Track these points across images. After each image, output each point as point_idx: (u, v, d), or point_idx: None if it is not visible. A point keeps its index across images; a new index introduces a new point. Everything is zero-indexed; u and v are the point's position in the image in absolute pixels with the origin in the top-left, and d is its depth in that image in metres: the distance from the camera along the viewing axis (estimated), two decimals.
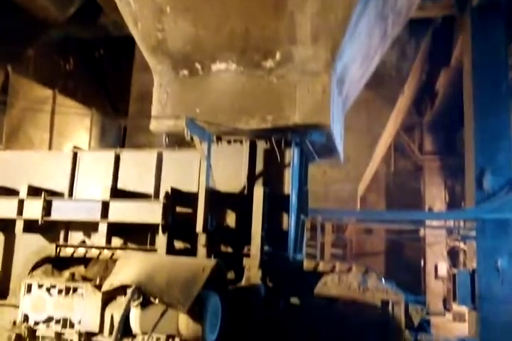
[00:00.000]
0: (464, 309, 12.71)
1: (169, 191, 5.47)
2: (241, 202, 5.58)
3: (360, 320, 4.59)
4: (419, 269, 18.91)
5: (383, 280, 5.02)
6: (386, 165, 21.18)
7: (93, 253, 5.59)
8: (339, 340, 4.60)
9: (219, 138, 5.80)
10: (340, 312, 4.63)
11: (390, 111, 14.44)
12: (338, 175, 14.68)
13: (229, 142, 5.86)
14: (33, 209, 5.78)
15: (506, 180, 10.17)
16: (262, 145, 5.77)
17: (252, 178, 5.70)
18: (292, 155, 5.69)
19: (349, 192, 15.09)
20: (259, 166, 5.74)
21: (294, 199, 5.80)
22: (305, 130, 5.59)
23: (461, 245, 16.77)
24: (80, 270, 5.54)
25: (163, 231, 5.41)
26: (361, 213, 13.93)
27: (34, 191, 5.96)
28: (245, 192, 5.64)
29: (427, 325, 4.77)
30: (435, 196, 19.35)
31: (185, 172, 5.89)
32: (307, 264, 5.22)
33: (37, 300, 4.41)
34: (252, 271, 5.10)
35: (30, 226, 5.88)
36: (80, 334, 4.22)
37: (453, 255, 18.75)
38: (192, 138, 5.29)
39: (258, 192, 5.25)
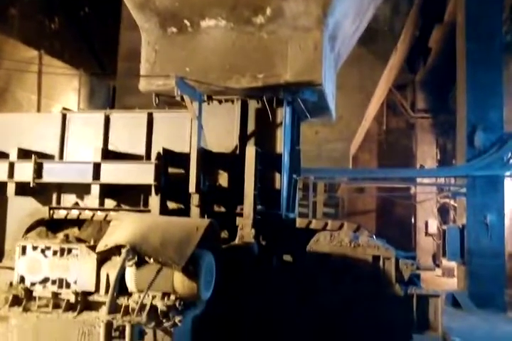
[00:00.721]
0: (452, 265, 13.09)
1: (161, 152, 5.44)
2: (233, 162, 5.57)
3: (351, 275, 4.70)
4: (409, 227, 19.31)
5: (374, 237, 5.10)
6: (378, 123, 21.14)
7: (86, 215, 5.61)
8: (331, 296, 4.73)
9: (210, 98, 5.71)
10: (332, 268, 4.73)
11: (383, 68, 14.25)
12: (330, 134, 14.65)
13: (220, 102, 5.77)
14: (24, 171, 5.75)
15: (497, 137, 10.22)
16: (253, 105, 5.70)
17: (243, 138, 5.67)
18: (284, 114, 5.64)
19: (341, 151, 15.13)
20: (251, 126, 5.70)
21: (286, 159, 5.80)
22: (297, 88, 5.51)
23: (452, 202, 17.05)
24: (73, 232, 5.58)
25: (156, 192, 5.42)
26: (353, 172, 14.02)
27: (24, 153, 5.91)
28: (237, 152, 5.62)
29: (416, 279, 4.90)
30: (426, 154, 19.45)
31: (176, 132, 5.84)
32: (300, 222, 5.29)
33: (32, 262, 4.44)
34: (245, 230, 5.16)
35: (23, 189, 5.87)
36: (77, 294, 4.27)
37: (443, 212, 19.11)
38: (182, 98, 5.20)
39: (250, 151, 5.23)
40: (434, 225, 17.85)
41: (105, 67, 11.64)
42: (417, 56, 19.02)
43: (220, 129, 5.74)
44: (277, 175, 5.63)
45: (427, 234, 17.99)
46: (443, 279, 13.98)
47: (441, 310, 4.67)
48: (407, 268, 4.68)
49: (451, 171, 12.95)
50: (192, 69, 5.60)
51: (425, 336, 4.79)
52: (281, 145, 5.64)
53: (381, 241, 4.99)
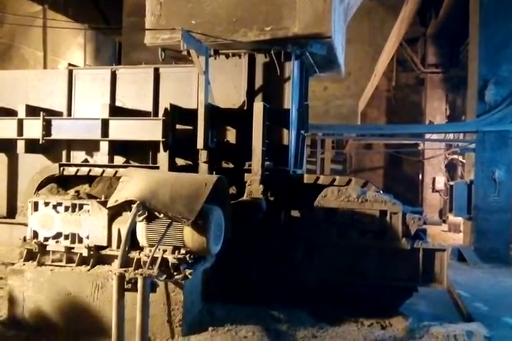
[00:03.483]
0: (459, 220, 13.18)
1: (168, 108, 5.39)
2: (241, 117, 5.52)
3: (358, 229, 4.76)
4: (417, 183, 19.32)
5: (382, 192, 5.12)
6: (387, 79, 20.68)
7: (96, 171, 5.65)
8: (338, 250, 4.82)
9: (217, 52, 5.59)
10: (339, 222, 4.79)
11: (393, 21, 13.76)
12: (339, 90, 14.39)
13: (227, 56, 5.65)
14: (33, 128, 5.76)
15: (509, 92, 9.98)
16: (261, 59, 5.58)
17: (251, 93, 5.59)
18: (292, 68, 5.52)
19: (350, 107, 14.91)
20: (259, 81, 5.61)
21: (294, 115, 5.74)
22: (305, 41, 5.36)
23: (460, 158, 16.96)
24: (84, 188, 5.65)
25: (164, 149, 5.43)
26: (361, 128, 13.87)
27: (32, 111, 5.89)
28: (245, 107, 5.57)
29: (423, 234, 4.96)
30: (436, 110, 19.13)
31: (183, 88, 5.77)
32: (307, 178, 5.30)
33: (45, 218, 4.52)
34: (254, 186, 5.19)
35: (32, 147, 5.90)
36: (89, 248, 4.38)
37: (451, 168, 19.05)
38: (189, 52, 5.09)
39: (258, 107, 5.17)
40: (441, 181, 17.84)
41: (110, 23, 11.34)
42: (429, 8, 18.32)
43: (228, 84, 5.66)
44: (285, 131, 5.59)
45: (434, 190, 18.02)
46: (449, 234, 14.13)
47: (446, 263, 4.75)
48: (413, 222, 4.72)
49: (460, 127, 12.78)
50: (198, 22, 5.45)
51: (431, 289, 4.92)
52: (289, 100, 5.56)
53: (388, 196, 5.01)
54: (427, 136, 14.59)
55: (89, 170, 5.68)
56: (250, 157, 5.28)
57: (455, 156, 17.58)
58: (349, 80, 13.03)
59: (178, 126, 5.59)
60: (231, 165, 5.67)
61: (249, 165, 5.33)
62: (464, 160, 15.08)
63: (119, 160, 5.92)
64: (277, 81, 5.57)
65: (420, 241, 4.75)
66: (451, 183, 12.35)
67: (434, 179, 18.07)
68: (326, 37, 5.29)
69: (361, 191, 4.83)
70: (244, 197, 5.24)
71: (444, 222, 16.22)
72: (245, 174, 5.36)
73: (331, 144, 13.90)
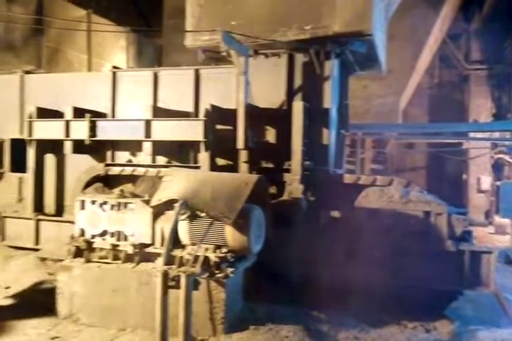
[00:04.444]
0: (506, 222, 12.72)
1: (209, 108, 5.45)
2: (280, 117, 5.53)
3: (402, 230, 4.67)
4: (461, 183, 18.75)
5: (425, 192, 5.01)
6: (430, 76, 20.17)
7: (139, 171, 5.80)
8: (380, 252, 4.74)
9: (256, 52, 5.62)
10: (381, 223, 4.71)
11: (436, 17, 13.43)
12: (379, 88, 14.17)
13: (266, 56, 5.67)
14: (79, 130, 5.94)
15: None
16: (300, 58, 5.57)
17: (290, 93, 5.59)
18: (332, 67, 5.48)
19: (390, 106, 14.65)
20: (298, 80, 5.59)
21: (334, 114, 5.69)
22: (345, 39, 5.31)
23: (507, 158, 16.34)
24: (128, 187, 5.80)
25: (205, 149, 5.49)
26: (403, 127, 13.60)
27: (78, 112, 6.09)
28: (284, 107, 5.57)
29: (468, 236, 4.82)
30: (480, 108, 18.49)
31: (223, 88, 5.83)
32: (348, 178, 5.25)
33: (91, 216, 4.67)
34: (294, 186, 5.18)
35: (79, 147, 6.09)
36: (134, 246, 4.50)
37: (497, 168, 18.39)
38: (228, 53, 5.13)
39: (297, 106, 5.16)
40: (487, 181, 17.22)
41: (151, 25, 11.59)
42: (472, 3, 17.74)
43: (267, 84, 5.67)
44: (325, 131, 5.56)
45: (479, 190, 17.43)
46: (495, 236, 13.65)
47: (493, 266, 4.61)
48: (459, 224, 4.60)
49: (506, 125, 12.34)
50: (238, 23, 5.50)
51: (477, 292, 4.77)
52: (329, 99, 5.52)
53: (432, 196, 4.90)
54: (472, 134, 14.14)
55: (133, 170, 5.83)
56: (290, 157, 5.28)
57: (501, 156, 16.95)
58: (390, 78, 12.79)
59: (218, 126, 5.65)
60: (271, 165, 5.68)
61: (289, 165, 5.33)
62: (511, 160, 14.54)
63: (161, 160, 6.03)
64: (317, 80, 5.54)
65: (466, 243, 4.62)
66: (498, 183, 11.93)
67: (479, 179, 17.47)
68: (366, 34, 5.22)
69: (404, 191, 4.74)
70: (284, 197, 5.24)
71: (490, 223, 15.69)
72: (285, 174, 5.36)
73: (372, 144, 13.67)
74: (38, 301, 4.96)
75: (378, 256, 4.72)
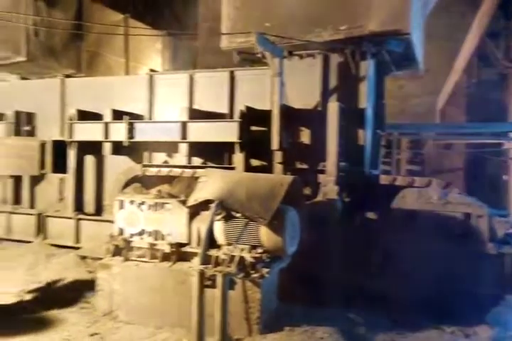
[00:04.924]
0: None
1: (244, 110, 5.49)
2: (315, 118, 5.51)
3: (441, 233, 4.57)
4: (501, 185, 18.18)
5: (464, 194, 4.90)
6: (467, 75, 19.64)
7: (176, 172, 5.89)
8: (418, 254, 4.65)
9: (290, 53, 5.62)
10: (419, 225, 4.63)
11: (474, 15, 13.08)
12: (416, 88, 13.93)
13: (301, 57, 5.67)
14: (118, 131, 6.10)
15: None
16: (335, 58, 5.54)
17: (325, 93, 5.56)
18: (368, 67, 5.43)
19: (427, 106, 14.38)
20: (333, 80, 5.57)
21: (369, 114, 5.63)
22: (382, 39, 5.25)
23: None
24: (164, 188, 5.90)
25: (240, 150, 5.54)
26: (440, 127, 13.31)
27: (117, 115, 6.24)
28: (319, 107, 5.55)
29: (510, 238, 4.68)
30: None
31: (258, 90, 5.86)
32: (384, 179, 5.18)
33: (130, 215, 4.77)
34: (329, 187, 5.15)
35: (117, 149, 6.25)
36: (171, 245, 4.57)
37: None
38: (263, 55, 5.16)
39: (333, 107, 5.13)
40: None
41: (186, 28, 11.76)
42: None
43: (302, 85, 5.66)
44: (361, 131, 5.50)
45: None
46: None
47: None
48: (500, 226, 4.47)
49: None
50: (272, 25, 5.51)
51: None
52: (365, 99, 5.47)
53: (472, 198, 4.78)
54: None
55: (169, 171, 5.93)
56: (325, 157, 5.25)
57: None
58: (427, 78, 12.57)
59: (253, 128, 5.68)
60: (305, 166, 5.67)
61: (324, 166, 5.31)
62: None
63: (196, 161, 6.11)
64: (352, 80, 5.50)
65: (507, 246, 4.49)
66: None
67: None
68: (404, 34, 5.14)
69: (443, 193, 4.64)
70: (319, 198, 5.22)
71: None
72: (320, 175, 5.34)
73: (408, 144, 13.44)
74: (76, 298, 5.12)
75: (416, 259, 4.64)
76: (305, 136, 5.65)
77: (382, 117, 6.14)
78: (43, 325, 4.55)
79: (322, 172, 5.34)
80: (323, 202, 5.16)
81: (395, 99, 12.15)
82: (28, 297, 5.18)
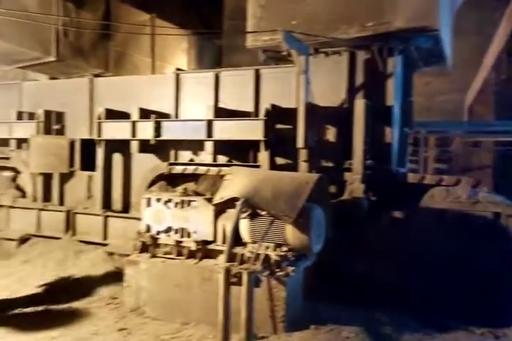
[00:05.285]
0: None
1: (269, 108, 5.49)
2: (341, 115, 5.47)
3: (470, 232, 4.49)
4: None
5: (493, 193, 4.79)
6: (497, 72, 19.17)
7: (201, 170, 5.94)
8: (446, 254, 4.58)
9: (316, 51, 5.59)
10: (448, 224, 4.56)
11: (504, 8, 12.76)
12: (443, 85, 13.69)
13: (327, 54, 5.63)
14: (145, 130, 6.18)
15: None
16: (362, 56, 5.48)
17: (352, 91, 5.51)
18: (395, 63, 5.35)
19: (455, 103, 14.11)
20: (359, 78, 5.51)
21: (397, 112, 5.56)
22: (409, 35, 5.17)
23: None
24: (190, 185, 5.95)
25: (265, 148, 5.54)
26: (468, 125, 13.04)
27: (144, 113, 6.32)
28: (346, 105, 5.50)
29: None
30: None
31: (283, 87, 5.84)
32: (412, 177, 5.11)
33: (157, 213, 4.84)
34: (355, 185, 5.12)
35: (144, 147, 6.33)
36: (197, 243, 4.61)
37: None
38: (289, 53, 5.15)
39: (359, 105, 5.09)
40: None
41: (211, 27, 11.81)
42: None
43: (327, 83, 5.63)
44: (388, 129, 5.44)
45: None
46: None
47: None
48: None
49: None
50: (298, 22, 5.49)
51: None
52: (392, 97, 5.40)
53: (501, 197, 4.67)
54: None
55: (195, 169, 5.98)
56: (351, 155, 5.22)
57: None
58: (454, 74, 12.31)
59: (278, 126, 5.67)
60: (331, 164, 5.63)
61: (350, 164, 5.27)
62: None
63: (222, 159, 6.14)
64: (379, 77, 5.43)
65: None
66: None
67: None
68: (432, 30, 5.04)
69: (472, 191, 4.55)
70: (345, 197, 5.19)
71: None
72: (346, 173, 5.30)
73: (435, 142, 13.22)
74: (104, 294, 5.22)
75: (444, 258, 4.56)
76: (331, 134, 5.61)
77: (410, 115, 6.05)
78: (72, 319, 4.65)
79: (348, 170, 5.31)
80: (349, 200, 5.13)
81: (421, 96, 11.94)
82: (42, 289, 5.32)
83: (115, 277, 5.53)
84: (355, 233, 4.92)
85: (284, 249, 4.21)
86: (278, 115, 5.59)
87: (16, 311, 4.82)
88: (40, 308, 4.89)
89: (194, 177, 6.03)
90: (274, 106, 5.55)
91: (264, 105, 5.64)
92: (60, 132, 7.40)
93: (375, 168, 5.29)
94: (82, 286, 5.48)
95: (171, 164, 6.19)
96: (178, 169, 6.10)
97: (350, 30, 5.30)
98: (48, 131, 7.25)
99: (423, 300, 4.56)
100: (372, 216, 5.08)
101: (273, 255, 4.14)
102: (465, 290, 4.56)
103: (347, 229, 4.86)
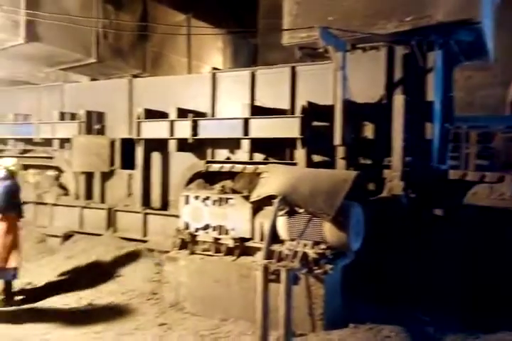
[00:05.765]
0: None
1: (305, 105, 5.46)
2: (379, 112, 5.39)
3: None
4: None
5: None
6: None
7: (238, 168, 5.97)
8: (491, 253, 4.45)
9: (353, 47, 5.52)
10: (492, 222, 4.42)
11: None
12: (485, 79, 13.24)
13: (364, 50, 5.56)
14: (183, 129, 6.26)
15: None
16: (400, 50, 5.39)
17: (390, 86, 5.42)
18: (435, 58, 5.23)
19: (497, 97, 13.62)
20: (398, 73, 5.41)
21: (437, 107, 5.43)
22: (450, 29, 5.04)
23: None
24: (227, 183, 6.00)
25: (302, 145, 5.52)
26: (510, 120, 12.58)
27: (181, 112, 6.41)
28: (384, 101, 5.41)
29: None
30: None
31: (319, 84, 5.80)
32: (454, 174, 4.99)
33: (195, 210, 4.90)
34: (394, 182, 5.03)
35: (182, 145, 6.41)
36: (235, 240, 4.65)
37: None
38: (325, 49, 5.11)
39: (398, 100, 5.00)
40: None
41: (246, 25, 11.84)
42: None
43: (365, 79, 5.55)
44: (428, 125, 5.32)
45: None
46: None
47: None
48: None
49: None
50: (335, 18, 5.44)
51: None
52: (432, 92, 5.28)
53: None
54: None
55: (232, 167, 6.02)
56: (390, 152, 5.13)
57: None
58: (496, 68, 11.89)
59: (314, 123, 5.64)
60: (369, 161, 5.56)
61: (389, 161, 5.19)
62: None
63: (258, 157, 6.15)
64: (419, 72, 5.32)
65: None
66: None
67: None
68: (474, 23, 4.90)
69: None
70: (384, 194, 5.11)
71: None
72: (385, 170, 5.22)
73: (477, 138, 12.80)
74: (145, 290, 5.32)
75: (488, 257, 4.43)
76: (369, 131, 5.54)
77: (451, 110, 5.91)
78: (114, 314, 4.77)
79: (387, 167, 5.22)
80: (388, 198, 5.05)
81: (462, 91, 11.60)
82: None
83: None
84: (394, 231, 4.84)
85: (322, 246, 4.18)
86: (314, 112, 5.56)
87: (61, 306, 4.99)
88: (84, 303, 5.05)
89: (231, 175, 6.07)
90: (310, 103, 5.52)
91: (301, 102, 5.62)
92: (101, 132, 7.58)
93: (414, 164, 5.18)
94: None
95: (208, 162, 6.25)
96: (215, 167, 6.16)
97: (389, 25, 5.21)
98: (89, 131, 7.45)
99: (467, 299, 4.45)
100: (412, 213, 4.98)
101: (311, 253, 4.12)
102: (510, 289, 4.42)
103: (386, 227, 4.79)
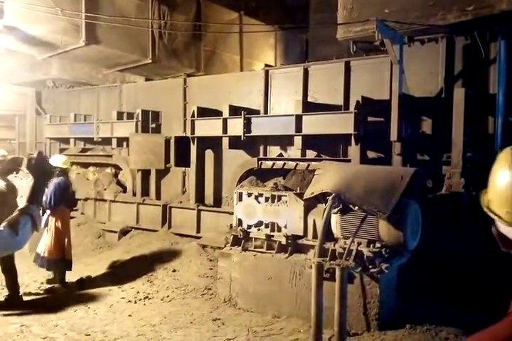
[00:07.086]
0: None
1: (359, 100, 5.34)
2: (438, 106, 5.19)
3: None
4: None
5: None
6: None
7: (290, 165, 5.93)
8: None
9: (411, 39, 5.34)
10: None
11: None
12: None
13: (422, 42, 5.36)
14: (235, 127, 6.29)
15: None
16: (461, 42, 5.16)
17: (450, 79, 5.20)
18: (499, 48, 4.96)
19: None
20: (459, 65, 5.18)
21: (500, 100, 5.14)
22: None
23: None
24: (279, 180, 5.98)
25: (356, 142, 5.40)
26: None
27: (234, 110, 6.44)
28: (443, 95, 5.20)
29: None
30: None
31: (374, 79, 5.66)
32: None
33: (248, 207, 4.91)
34: (454, 179, 4.83)
35: (234, 143, 6.45)
36: (287, 237, 4.62)
37: None
38: (381, 43, 4.96)
39: (458, 93, 4.78)
40: None
41: (297, 21, 11.73)
42: None
43: (423, 72, 5.35)
44: (490, 119, 5.06)
45: None
46: None
47: None
48: None
49: None
50: (391, 11, 5.26)
51: None
52: (496, 84, 5.01)
53: None
54: None
55: (284, 164, 5.98)
56: (449, 148, 4.93)
57: None
58: None
59: (369, 118, 5.51)
60: (427, 158, 5.36)
61: (448, 157, 4.98)
62: None
63: (310, 153, 6.08)
64: (480, 64, 5.07)
65: None
66: None
67: None
68: None
69: None
70: (443, 191, 4.91)
71: None
72: (444, 166, 5.02)
73: None
74: (199, 285, 5.40)
75: None
76: (426, 126, 5.34)
77: None
78: (170, 307, 4.88)
79: (447, 163, 5.02)
80: (448, 195, 4.85)
81: None
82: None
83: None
84: (453, 230, 4.64)
85: (377, 245, 4.09)
86: (369, 107, 5.42)
87: (118, 299, 5.15)
88: (141, 296, 5.19)
89: (283, 172, 6.04)
90: (364, 98, 5.39)
91: (355, 97, 5.50)
92: (157, 130, 7.76)
93: (476, 161, 4.95)
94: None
95: (260, 159, 6.25)
96: (267, 164, 6.15)
97: (449, 16, 4.99)
98: (145, 129, 7.65)
99: None
100: (473, 212, 4.75)
101: (365, 251, 4.04)
102: None
103: (445, 226, 4.60)
